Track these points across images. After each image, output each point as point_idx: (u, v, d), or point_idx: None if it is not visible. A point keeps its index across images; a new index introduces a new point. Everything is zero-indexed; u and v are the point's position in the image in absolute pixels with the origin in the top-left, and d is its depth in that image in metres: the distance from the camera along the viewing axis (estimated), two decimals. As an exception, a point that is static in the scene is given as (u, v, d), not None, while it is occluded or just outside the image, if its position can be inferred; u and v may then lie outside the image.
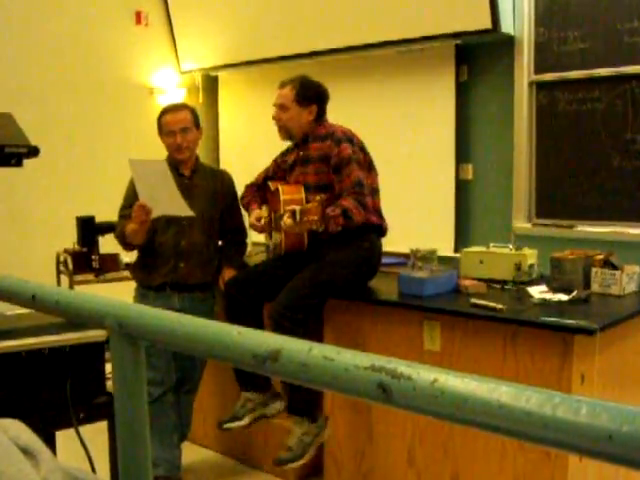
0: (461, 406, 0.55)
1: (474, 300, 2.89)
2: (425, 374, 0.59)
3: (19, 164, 2.04)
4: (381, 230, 3.34)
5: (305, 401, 3.14)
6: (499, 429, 0.53)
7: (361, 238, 3.23)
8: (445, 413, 0.57)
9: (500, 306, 2.78)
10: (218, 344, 0.74)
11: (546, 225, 5.04)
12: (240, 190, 3.65)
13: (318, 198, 2.93)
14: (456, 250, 5.32)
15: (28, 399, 2.00)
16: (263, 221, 3.40)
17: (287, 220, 2.94)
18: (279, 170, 3.56)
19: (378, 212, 3.32)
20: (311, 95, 3.34)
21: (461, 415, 0.56)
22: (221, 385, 3.74)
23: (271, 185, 3.48)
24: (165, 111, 3.49)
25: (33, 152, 2.05)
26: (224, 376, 3.57)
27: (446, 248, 5.29)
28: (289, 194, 3.29)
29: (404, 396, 0.60)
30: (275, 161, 3.61)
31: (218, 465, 3.81)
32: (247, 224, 3.60)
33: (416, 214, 5.45)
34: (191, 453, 3.83)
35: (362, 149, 3.30)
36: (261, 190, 3.60)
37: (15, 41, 5.72)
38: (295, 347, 0.68)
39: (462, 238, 5.38)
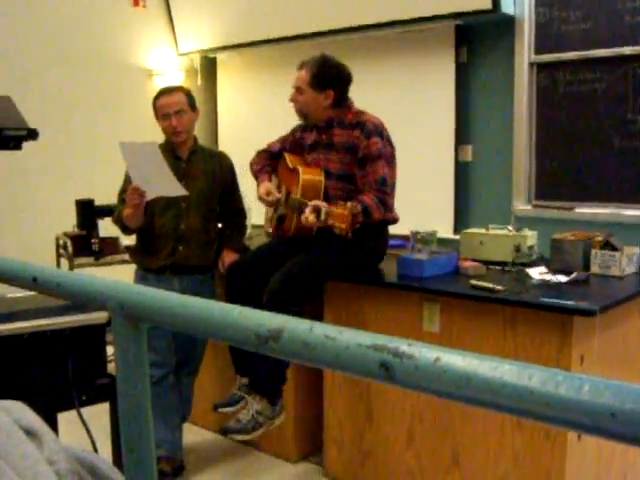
0: (463, 384, 0.55)
1: (473, 281, 2.90)
2: (427, 352, 0.59)
3: (18, 147, 2.04)
4: (393, 222, 3.31)
5: (269, 382, 3.16)
6: (501, 407, 0.54)
7: (372, 231, 3.17)
8: (447, 391, 0.57)
9: (499, 287, 2.78)
10: (220, 324, 0.74)
11: (546, 207, 5.04)
12: (241, 169, 3.60)
13: (349, 205, 2.79)
14: (456, 232, 5.32)
15: (30, 381, 2.01)
16: (272, 198, 3.31)
17: (310, 216, 2.82)
18: (296, 145, 3.47)
19: (392, 207, 3.26)
20: (327, 79, 3.23)
21: (463, 393, 0.56)
22: (221, 367, 3.75)
23: (289, 161, 3.38)
24: (160, 94, 3.47)
25: (32, 135, 2.05)
26: (225, 358, 3.58)
27: (446, 230, 5.30)
28: (309, 175, 3.21)
29: (406, 375, 0.60)
30: (294, 134, 3.50)
31: (219, 446, 3.83)
32: (253, 198, 3.52)
33: (416, 196, 5.43)
34: (192, 434, 3.85)
35: (389, 142, 3.22)
36: (273, 160, 3.53)
37: (12, 23, 5.68)
38: (297, 326, 0.68)
39: (462, 220, 5.38)
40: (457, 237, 5.27)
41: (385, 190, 3.10)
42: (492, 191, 5.31)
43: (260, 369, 3.15)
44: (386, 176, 3.11)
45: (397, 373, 0.61)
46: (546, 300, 2.61)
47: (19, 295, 2.12)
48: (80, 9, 6.05)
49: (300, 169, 3.25)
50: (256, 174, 3.50)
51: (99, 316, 2.00)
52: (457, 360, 0.57)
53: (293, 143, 3.49)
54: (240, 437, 3.17)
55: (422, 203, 5.43)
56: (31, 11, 5.77)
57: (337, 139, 3.23)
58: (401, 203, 3.42)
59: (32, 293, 1.97)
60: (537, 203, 5.11)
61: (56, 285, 0.94)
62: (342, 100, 3.27)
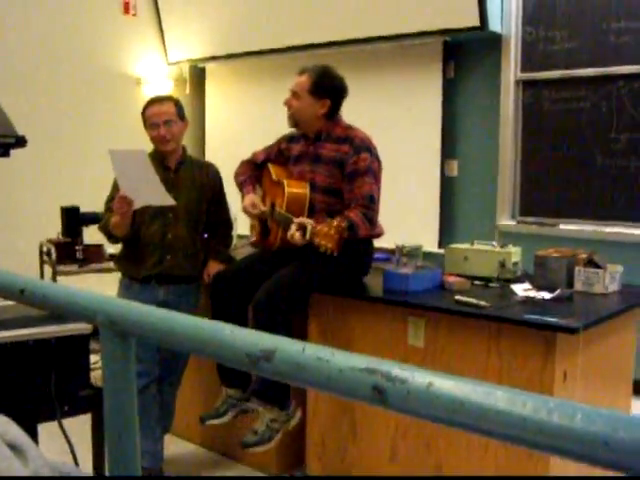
0: (457, 410, 0.55)
1: (458, 297, 2.91)
2: (420, 377, 0.59)
3: (6, 154, 2.03)
4: (377, 237, 3.31)
5: (275, 388, 3.13)
6: (495, 434, 0.54)
7: (356, 244, 3.14)
8: (440, 417, 0.58)
9: (484, 303, 2.79)
10: (210, 342, 0.74)
11: (530, 223, 5.07)
12: (228, 180, 3.58)
13: (334, 223, 2.78)
14: (440, 246, 5.35)
15: (12, 391, 1.99)
16: (256, 210, 3.28)
17: (295, 234, 2.84)
18: (281, 155, 3.45)
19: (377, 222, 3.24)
20: (326, 88, 3.22)
21: (456, 419, 0.56)
22: (204, 378, 3.74)
23: (273, 173, 3.37)
24: (148, 103, 3.46)
25: (20, 142, 2.04)
26: (207, 369, 3.57)
27: (431, 244, 5.32)
28: (294, 189, 3.19)
29: (399, 399, 0.60)
30: (279, 144, 3.48)
31: (199, 458, 3.81)
32: (238, 209, 3.51)
33: (401, 209, 5.46)
34: (173, 445, 3.83)
35: (377, 158, 3.21)
36: (257, 170, 3.52)
37: (2, 29, 5.66)
38: (289, 347, 0.68)
39: (447, 234, 5.41)
40: (442, 251, 5.29)
41: (371, 206, 3.10)
42: (477, 206, 5.34)
43: (263, 379, 3.12)
44: (373, 192, 3.11)
45: (390, 397, 0.61)
46: (530, 317, 2.62)
47: (2, 304, 2.11)
48: (70, 16, 6.05)
49: (285, 182, 3.23)
50: (240, 185, 3.48)
51: (83, 327, 1.99)
52: (450, 385, 0.58)
53: (278, 154, 3.48)
54: (261, 448, 3.14)
55: (408, 217, 5.45)
56: (21, 17, 5.76)
57: (325, 152, 3.23)
58: (387, 216, 3.43)
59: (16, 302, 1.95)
60: (521, 219, 5.15)
61: (43, 297, 0.93)
62: (335, 112, 3.27)
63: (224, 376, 3.34)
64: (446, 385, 0.58)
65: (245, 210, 3.35)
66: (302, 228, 2.85)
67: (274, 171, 3.39)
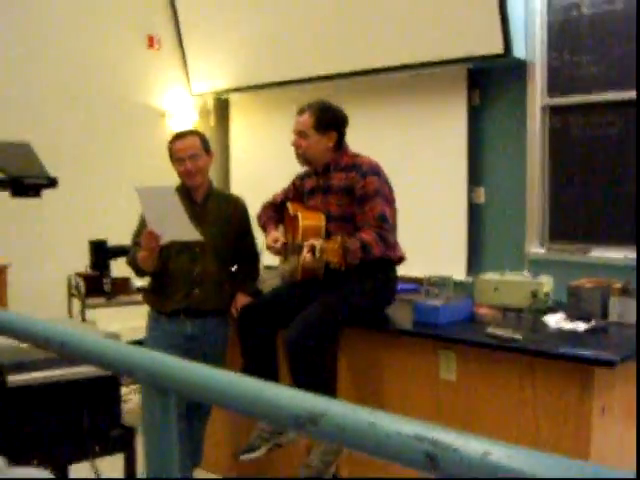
0: (515, 484, 0.53)
1: (490, 330, 2.86)
2: (476, 446, 0.57)
3: (37, 195, 2.04)
4: (399, 261, 3.31)
5: None
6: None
7: (377, 269, 3.18)
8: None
9: (517, 336, 2.75)
10: (256, 402, 0.72)
11: (560, 250, 5.01)
12: (254, 212, 3.62)
13: (339, 239, 2.88)
14: (469, 274, 5.30)
15: (44, 432, 1.98)
16: (279, 244, 3.35)
17: (307, 255, 2.91)
18: (297, 193, 3.52)
19: (396, 245, 3.26)
20: (330, 121, 3.27)
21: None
22: (235, 414, 3.71)
23: (290, 209, 3.44)
24: (174, 138, 3.49)
25: (52, 183, 2.05)
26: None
27: (458, 272, 5.27)
28: (309, 220, 3.25)
29: (452, 468, 0.58)
30: (294, 183, 3.56)
31: (230, 493, 3.77)
32: (263, 245, 3.56)
33: (428, 238, 5.42)
34: (202, 480, 3.79)
35: (387, 182, 3.24)
36: (278, 211, 3.57)
37: (28, 68, 5.75)
38: (337, 411, 0.66)
39: (474, 262, 5.36)
40: (470, 280, 5.25)
41: (384, 226, 3.10)
42: (505, 233, 5.29)
43: None
44: (385, 213, 3.12)
45: (442, 466, 0.59)
46: (565, 350, 2.57)
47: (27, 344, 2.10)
48: (95, 52, 6.13)
49: (300, 215, 3.28)
50: (263, 226, 3.56)
51: (115, 367, 1.98)
52: (508, 455, 0.55)
53: (294, 192, 3.55)
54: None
55: (435, 245, 5.41)
56: (46, 54, 5.84)
57: (335, 182, 3.27)
58: (413, 245, 3.41)
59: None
60: (551, 246, 5.08)
61: (85, 352, 0.92)
62: (341, 143, 3.32)
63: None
64: (504, 454, 0.55)
65: (269, 247, 3.40)
66: (312, 249, 2.91)
67: (291, 207, 3.45)
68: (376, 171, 3.21)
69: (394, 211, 3.23)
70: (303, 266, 3.11)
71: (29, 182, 1.98)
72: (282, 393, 0.70)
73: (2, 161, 2.03)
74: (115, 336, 2.36)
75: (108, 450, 2.10)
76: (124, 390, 2.32)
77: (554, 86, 5.08)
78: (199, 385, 0.79)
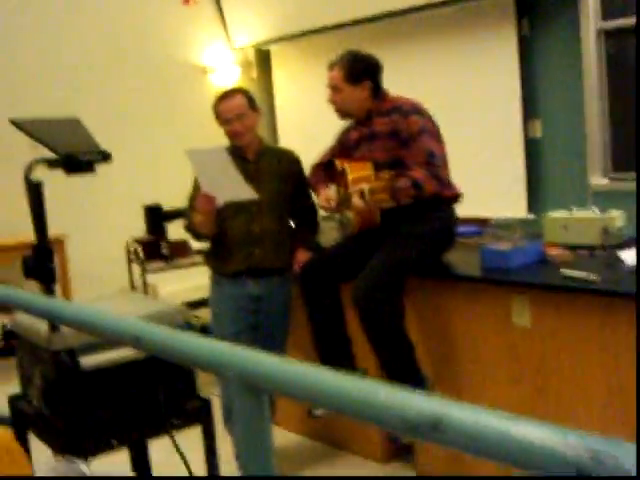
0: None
1: (564, 271, 2.76)
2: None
3: (91, 170, 1.99)
4: (455, 199, 3.21)
5: (408, 376, 3.02)
6: None
7: (435, 209, 3.11)
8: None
9: (593, 277, 2.64)
10: (362, 406, 0.65)
11: (624, 179, 4.82)
12: (307, 163, 3.54)
13: (387, 176, 2.85)
14: (529, 211, 5.16)
15: (121, 411, 1.97)
16: (332, 203, 3.29)
17: (356, 201, 2.90)
18: (343, 148, 3.44)
19: (450, 182, 3.16)
20: (361, 71, 3.19)
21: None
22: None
23: (337, 164, 3.36)
24: (218, 99, 3.40)
25: (105, 157, 2.00)
26: (309, 354, 3.51)
27: (518, 210, 5.14)
28: (356, 171, 3.17)
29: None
30: (338, 139, 3.50)
31: (304, 448, 3.78)
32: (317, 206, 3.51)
33: (484, 176, 5.28)
34: (277, 437, 3.80)
35: (431, 120, 3.15)
36: (327, 169, 3.51)
37: (66, 33, 5.71)
38: (457, 416, 0.58)
39: (535, 199, 5.21)
40: (532, 217, 5.11)
41: (434, 162, 3.00)
42: (565, 167, 5.11)
43: (393, 372, 3.03)
44: (433, 149, 3.03)
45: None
46: (647, 288, 2.45)
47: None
48: (133, 12, 6.05)
49: (347, 168, 3.19)
50: (313, 186, 3.49)
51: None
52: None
53: (341, 148, 3.47)
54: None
55: (492, 183, 5.26)
56: (82, 20, 5.78)
57: (378, 128, 3.19)
58: (470, 185, 3.30)
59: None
60: (614, 176, 4.90)
61: (170, 348, 0.86)
62: (378, 89, 3.23)
63: (326, 362, 3.28)
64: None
65: (322, 207, 3.34)
66: (361, 193, 2.88)
67: (338, 163, 3.37)
68: (418, 110, 3.12)
69: (443, 148, 3.13)
70: (357, 214, 3.06)
71: (82, 158, 1.93)
72: (393, 397, 0.63)
73: (52, 139, 1.98)
74: (184, 312, 2.32)
75: (186, 423, 2.08)
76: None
77: (609, 8, 4.83)
78: (296, 385, 0.72)
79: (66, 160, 1.91)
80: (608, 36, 4.87)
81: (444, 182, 3.05)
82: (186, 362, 0.90)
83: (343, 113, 3.29)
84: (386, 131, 3.15)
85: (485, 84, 5.37)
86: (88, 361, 1.86)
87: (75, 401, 1.86)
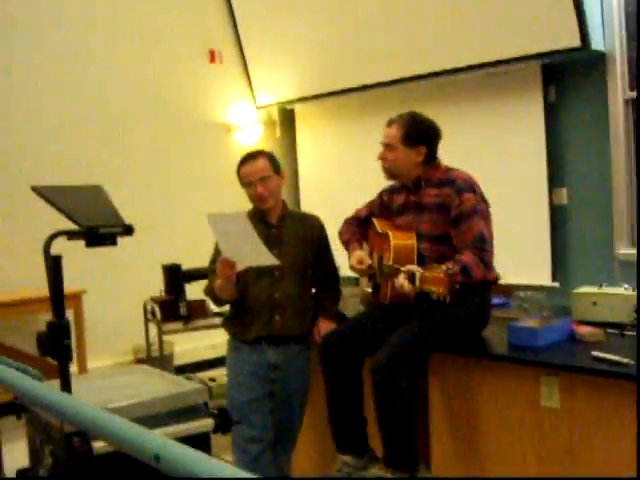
0: None
1: (596, 353, 2.65)
2: None
3: (113, 243, 1.94)
4: (495, 282, 3.09)
5: (404, 453, 2.94)
6: None
7: (474, 293, 2.97)
8: None
9: (626, 360, 2.53)
10: None
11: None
12: (328, 227, 3.45)
13: (445, 267, 2.63)
14: (554, 280, 5.07)
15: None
16: (365, 265, 3.17)
17: (404, 283, 2.72)
18: (384, 209, 3.33)
19: (493, 266, 3.04)
20: (420, 135, 3.08)
21: None
22: (319, 442, 3.59)
23: (377, 226, 3.25)
24: (242, 162, 3.35)
25: (127, 231, 1.95)
26: (322, 432, 3.41)
27: (543, 278, 5.07)
28: (400, 240, 3.05)
29: None
30: (381, 197, 3.37)
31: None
32: (344, 263, 3.40)
33: (510, 243, 5.18)
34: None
35: (483, 198, 3.03)
36: (362, 227, 3.40)
37: (93, 87, 5.75)
38: None
39: (560, 267, 5.13)
40: (556, 285, 5.02)
41: (484, 247, 2.90)
42: (592, 235, 5.04)
43: (390, 445, 2.94)
44: (484, 232, 2.92)
45: None
46: (683, 376, 2.35)
47: (118, 405, 2.00)
48: (158, 71, 6.11)
49: (390, 234, 3.09)
50: (346, 243, 3.39)
51: (203, 424, 1.86)
52: None
53: (381, 207, 3.36)
54: None
55: (517, 251, 5.18)
56: (109, 75, 5.84)
57: (427, 199, 3.07)
58: (496, 251, 3.21)
59: (132, 402, 1.86)
60: (641, 246, 4.81)
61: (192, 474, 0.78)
62: (432, 157, 3.12)
63: (340, 441, 3.18)
64: None
65: (352, 268, 3.24)
66: (410, 276, 2.70)
67: (379, 225, 3.25)
68: (472, 187, 2.99)
69: (490, 228, 3.01)
70: (397, 292, 2.87)
71: (104, 232, 1.88)
72: None
73: (74, 209, 1.94)
74: (202, 392, 2.23)
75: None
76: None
77: (636, 77, 4.80)
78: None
79: (88, 233, 1.87)
80: (636, 104, 4.83)
81: (490, 268, 2.96)
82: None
83: (390, 173, 3.17)
84: (436, 203, 3.03)
85: (511, 150, 5.34)
86: (102, 445, 1.78)
87: (86, 486, 1.78)
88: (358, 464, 3.13)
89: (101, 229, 1.89)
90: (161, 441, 0.86)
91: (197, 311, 4.76)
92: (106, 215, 1.98)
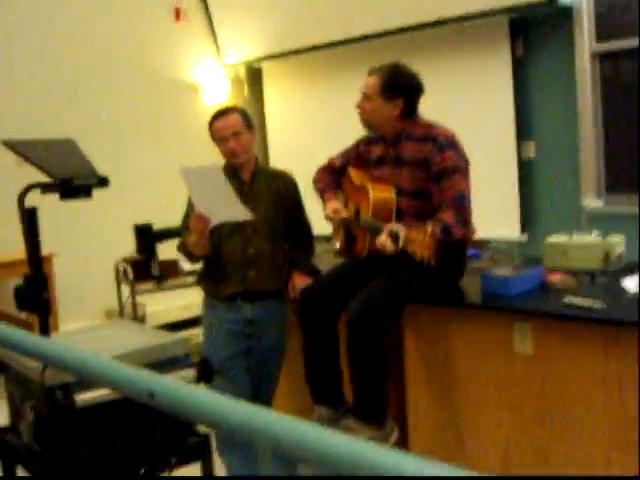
0: None
1: (567, 299, 2.71)
2: None
3: (88, 195, 1.92)
4: (471, 239, 3.11)
5: (373, 406, 2.98)
6: None
7: (451, 249, 2.92)
8: None
9: (597, 305, 2.59)
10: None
11: (619, 203, 4.80)
12: (301, 184, 3.43)
13: (430, 230, 2.59)
14: (523, 232, 5.13)
15: (117, 450, 1.89)
16: (340, 216, 3.14)
17: (386, 242, 2.66)
18: (360, 159, 3.28)
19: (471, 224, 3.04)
20: (398, 87, 3.00)
21: None
22: (297, 397, 3.62)
23: (354, 177, 3.21)
24: (214, 117, 3.32)
25: (102, 182, 1.93)
26: (299, 388, 3.44)
27: (512, 231, 5.12)
28: (379, 193, 3.01)
29: None
30: (357, 146, 3.31)
31: None
32: (318, 221, 3.38)
33: (478, 196, 5.16)
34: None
35: (464, 155, 3.01)
36: (337, 176, 3.37)
37: (56, 50, 5.64)
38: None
39: (528, 219, 5.18)
40: (525, 237, 5.09)
41: (464, 207, 2.90)
42: (559, 188, 5.10)
43: (359, 395, 2.97)
44: (464, 192, 2.92)
45: None
46: (654, 318, 2.41)
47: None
48: (122, 31, 5.99)
49: (369, 186, 3.06)
50: (321, 192, 3.35)
51: (186, 374, 1.87)
52: None
53: (357, 157, 3.31)
54: None
55: (486, 204, 5.17)
56: (72, 37, 5.72)
57: (407, 153, 3.03)
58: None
59: (114, 354, 1.85)
60: (609, 198, 4.87)
61: (190, 409, 0.79)
62: (411, 112, 3.07)
63: (316, 393, 3.21)
64: None
65: (328, 217, 3.21)
66: (393, 235, 2.66)
67: (355, 175, 3.22)
68: (454, 144, 2.96)
69: (469, 186, 2.99)
70: (377, 248, 2.79)
71: (79, 183, 1.85)
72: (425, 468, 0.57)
73: (48, 163, 1.91)
74: (185, 343, 2.23)
75: (185, 460, 2.00)
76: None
77: (603, 31, 4.83)
78: (332, 458, 0.66)
79: (62, 185, 1.84)
80: (602, 58, 4.86)
81: (469, 226, 2.97)
82: (206, 424, 0.83)
83: (367, 123, 3.12)
84: (416, 159, 2.99)
85: (478, 104, 5.35)
86: (83, 397, 1.78)
87: (69, 439, 1.78)
88: (333, 416, 3.17)
89: (75, 181, 1.86)
90: (155, 377, 0.87)
91: (169, 271, 4.74)
92: (80, 167, 1.95)
